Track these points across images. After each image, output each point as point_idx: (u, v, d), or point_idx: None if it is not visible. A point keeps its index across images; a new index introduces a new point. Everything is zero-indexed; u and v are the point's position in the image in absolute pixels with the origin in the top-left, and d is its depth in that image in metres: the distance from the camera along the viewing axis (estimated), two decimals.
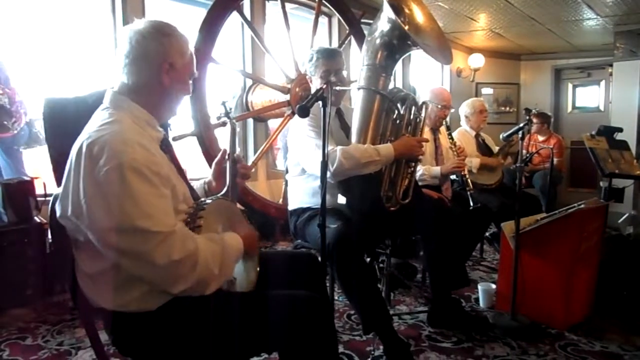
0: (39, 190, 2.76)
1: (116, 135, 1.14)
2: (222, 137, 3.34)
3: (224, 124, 1.59)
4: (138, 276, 1.15)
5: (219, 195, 1.47)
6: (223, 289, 1.30)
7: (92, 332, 1.33)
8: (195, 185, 1.59)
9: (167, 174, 1.21)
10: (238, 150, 1.60)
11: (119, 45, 1.29)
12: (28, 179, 2.71)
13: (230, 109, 1.63)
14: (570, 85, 7.18)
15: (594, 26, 5.43)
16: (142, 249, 1.09)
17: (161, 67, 1.26)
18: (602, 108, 6.84)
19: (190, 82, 1.37)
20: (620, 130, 3.65)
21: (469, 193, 3.04)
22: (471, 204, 3.00)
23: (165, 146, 1.33)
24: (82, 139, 1.16)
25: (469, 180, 3.06)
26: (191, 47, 1.36)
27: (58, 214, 1.20)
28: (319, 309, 1.32)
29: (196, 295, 1.19)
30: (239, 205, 1.57)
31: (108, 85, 1.34)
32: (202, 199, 1.37)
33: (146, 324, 1.21)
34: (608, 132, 3.37)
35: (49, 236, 2.58)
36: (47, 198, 2.66)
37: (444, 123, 3.24)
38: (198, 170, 3.35)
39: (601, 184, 3.15)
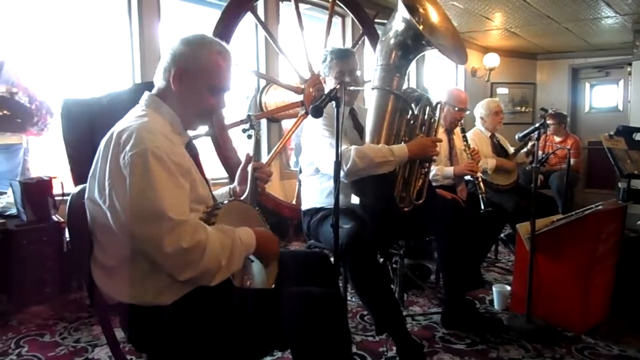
0: (56, 190, 2.81)
1: (143, 125, 1.22)
2: (236, 138, 3.36)
3: (249, 136, 1.64)
4: (152, 260, 1.17)
5: (239, 198, 1.52)
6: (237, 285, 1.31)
7: (108, 329, 1.35)
8: (222, 190, 1.65)
9: (187, 167, 1.27)
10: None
11: None
12: (47, 178, 2.76)
13: (257, 122, 1.67)
14: (587, 85, 7.06)
15: (613, 24, 5.33)
16: (153, 233, 1.12)
17: (171, 72, 1.33)
18: (620, 108, 6.72)
19: (216, 96, 1.36)
20: (639, 130, 3.58)
21: (480, 196, 2.94)
22: (482, 207, 2.91)
23: (190, 149, 1.38)
24: (113, 129, 1.24)
25: (481, 184, 2.98)
26: (218, 57, 1.33)
27: (86, 195, 1.27)
28: (334, 306, 1.32)
29: (203, 285, 1.21)
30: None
31: (124, 86, 1.38)
32: (220, 201, 1.40)
33: (162, 319, 1.23)
34: (627, 132, 3.31)
35: (67, 235, 2.62)
36: (65, 197, 2.70)
37: (459, 125, 3.19)
38: (209, 171, 3.36)
39: (619, 184, 3.09)
